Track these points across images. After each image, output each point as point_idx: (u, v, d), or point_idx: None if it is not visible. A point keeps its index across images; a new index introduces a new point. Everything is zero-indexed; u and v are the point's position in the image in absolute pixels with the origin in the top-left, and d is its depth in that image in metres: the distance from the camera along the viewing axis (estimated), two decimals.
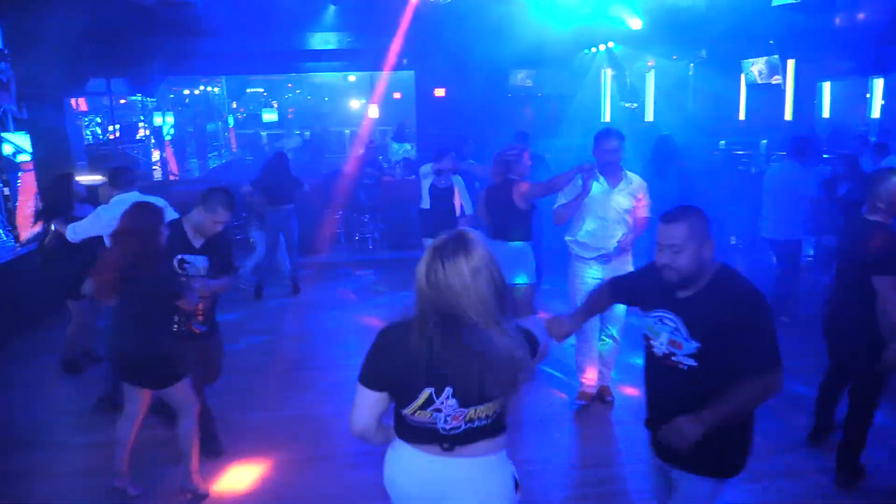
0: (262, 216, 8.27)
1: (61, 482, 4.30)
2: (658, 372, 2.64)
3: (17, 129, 8.56)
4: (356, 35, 10.57)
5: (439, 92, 11.69)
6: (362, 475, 4.21)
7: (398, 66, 11.22)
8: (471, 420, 2.10)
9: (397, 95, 19.17)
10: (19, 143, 8.56)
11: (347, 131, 18.94)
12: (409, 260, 9.36)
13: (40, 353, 6.47)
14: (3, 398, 5.66)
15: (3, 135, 8.51)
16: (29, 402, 5.56)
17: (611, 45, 12.04)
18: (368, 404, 2.17)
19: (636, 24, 10.45)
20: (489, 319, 2.00)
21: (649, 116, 13.26)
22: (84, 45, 9.20)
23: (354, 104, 21.82)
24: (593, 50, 12.45)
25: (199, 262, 4.07)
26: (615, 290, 2.99)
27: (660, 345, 2.59)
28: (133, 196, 5.00)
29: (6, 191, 8.55)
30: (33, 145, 8.66)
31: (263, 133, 19.60)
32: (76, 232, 5.05)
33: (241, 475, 4.30)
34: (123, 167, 5.75)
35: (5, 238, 8.21)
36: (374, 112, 15.62)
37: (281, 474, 4.32)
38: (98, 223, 4.93)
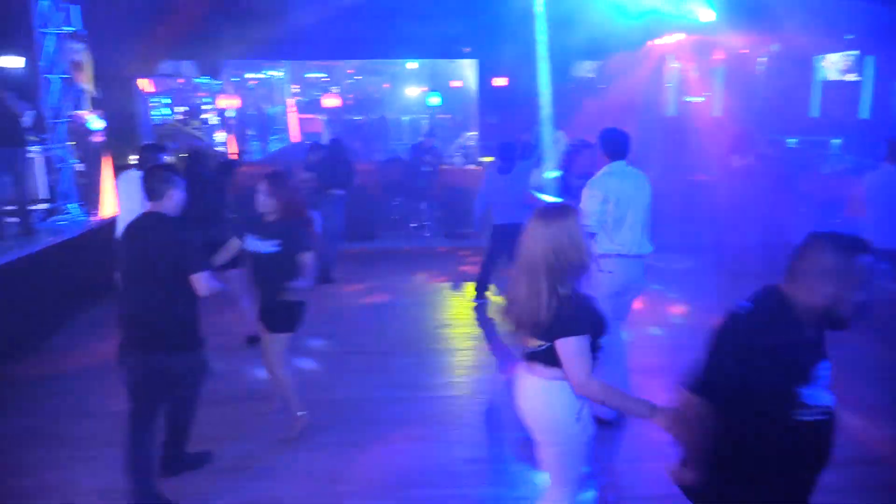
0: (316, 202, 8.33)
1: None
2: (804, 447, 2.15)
3: (92, 108, 8.85)
4: (419, 22, 10.56)
5: (500, 81, 11.60)
6: (409, 460, 4.25)
7: (460, 55, 11.18)
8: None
9: (457, 84, 19.14)
10: (93, 122, 8.85)
11: (406, 118, 18.96)
12: (464, 249, 9.45)
13: (105, 325, 6.69)
14: (74, 369, 5.90)
15: (79, 113, 8.82)
16: (95, 373, 5.77)
17: (679, 36, 11.74)
18: None
19: (708, 15, 10.16)
20: None
21: (716, 111, 12.90)
22: (155, 28, 9.44)
23: (413, 91, 21.84)
24: (660, 42, 12.16)
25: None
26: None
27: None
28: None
29: (79, 167, 8.87)
30: (106, 124, 8.94)
31: (322, 118, 19.79)
32: None
33: (297, 455, 4.39)
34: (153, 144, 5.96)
35: (76, 213, 8.52)
36: (434, 100, 15.60)
37: (333, 455, 4.38)
38: None
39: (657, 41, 12.13)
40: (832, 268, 2.03)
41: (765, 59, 12.26)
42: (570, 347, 2.49)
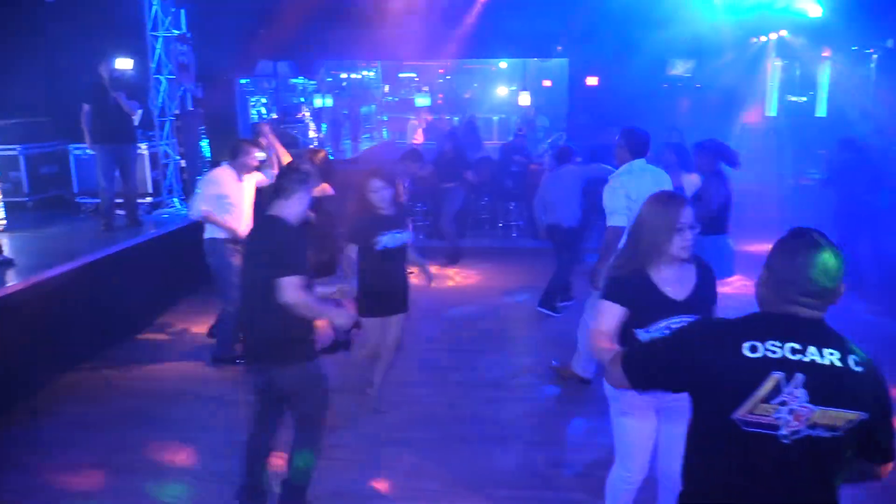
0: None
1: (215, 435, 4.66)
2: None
3: (195, 106, 9.27)
4: (511, 21, 10.51)
5: (592, 80, 11.40)
6: (493, 460, 4.23)
7: (552, 54, 11.06)
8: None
9: (547, 83, 18.96)
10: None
11: (496, 118, 18.96)
12: (549, 251, 9.26)
13: (203, 313, 6.99)
14: (172, 355, 6.21)
15: (176, 112, 9.24)
16: (192, 359, 6.04)
17: (783, 33, 11.22)
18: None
19: (815, 11, 9.66)
20: None
21: (820, 111, 12.26)
22: (255, 29, 9.78)
23: (502, 91, 21.80)
24: (762, 39, 11.65)
25: None
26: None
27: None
28: None
29: (183, 163, 9.31)
30: (206, 122, 9.35)
31: (412, 117, 20.04)
32: None
33: (382, 449, 4.46)
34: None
35: (179, 206, 8.95)
36: (525, 99, 15.50)
37: (418, 451, 4.42)
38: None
39: (760, 38, 11.64)
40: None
41: (876, 55, 11.55)
42: None
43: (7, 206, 7.61)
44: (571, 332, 5.53)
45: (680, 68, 11.77)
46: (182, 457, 4.39)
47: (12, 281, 5.49)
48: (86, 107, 7.30)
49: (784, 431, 1.82)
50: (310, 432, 3.60)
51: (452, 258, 8.95)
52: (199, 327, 6.70)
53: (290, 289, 3.19)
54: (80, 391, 5.38)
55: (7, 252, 6.03)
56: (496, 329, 6.81)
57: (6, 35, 8.57)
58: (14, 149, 8.56)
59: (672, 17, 9.50)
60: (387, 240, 4.45)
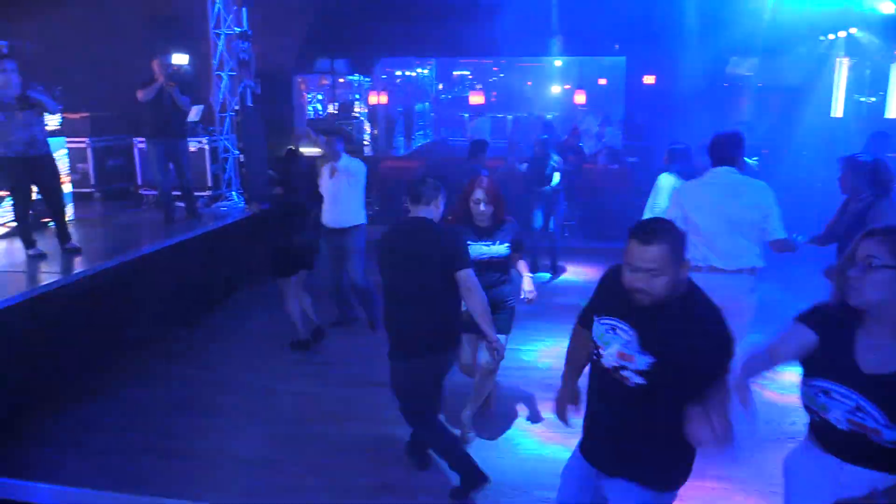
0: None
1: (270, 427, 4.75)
2: (602, 385, 2.42)
3: (254, 103, 9.46)
4: (568, 19, 10.43)
5: (649, 79, 11.24)
6: (540, 462, 4.21)
7: (610, 52, 10.93)
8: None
9: (603, 81, 18.73)
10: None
11: (549, 116, 18.83)
12: (604, 251, 9.20)
13: (257, 303, 7.14)
14: (225, 345, 6.37)
15: (235, 108, 9.45)
16: (243, 350, 6.18)
17: (852, 31, 10.82)
18: (791, 337, 2.21)
19: (888, 7, 9.30)
20: None
21: (891, 112, 11.78)
22: (314, 27, 9.94)
23: (556, 89, 21.62)
24: (830, 37, 11.26)
25: None
26: (584, 322, 2.58)
27: (609, 356, 2.34)
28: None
29: (241, 158, 9.52)
30: (265, 119, 9.54)
31: (466, 115, 20.06)
32: None
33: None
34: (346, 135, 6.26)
35: (237, 200, 9.16)
36: (580, 98, 15.36)
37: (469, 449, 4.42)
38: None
39: (828, 36, 11.25)
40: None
41: None
42: None
43: (75, 197, 7.91)
44: None
45: (741, 67, 11.48)
46: (231, 445, 4.49)
47: (79, 268, 5.72)
48: (140, 97, 7.49)
49: None
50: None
51: (557, 268, 8.73)
52: (251, 321, 6.85)
53: (470, 277, 3.55)
54: (138, 375, 5.56)
55: (75, 240, 6.28)
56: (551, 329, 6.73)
57: (76, 33, 8.91)
58: (83, 142, 8.91)
59: (734, 14, 9.29)
60: (472, 250, 4.25)
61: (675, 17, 9.62)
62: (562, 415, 2.71)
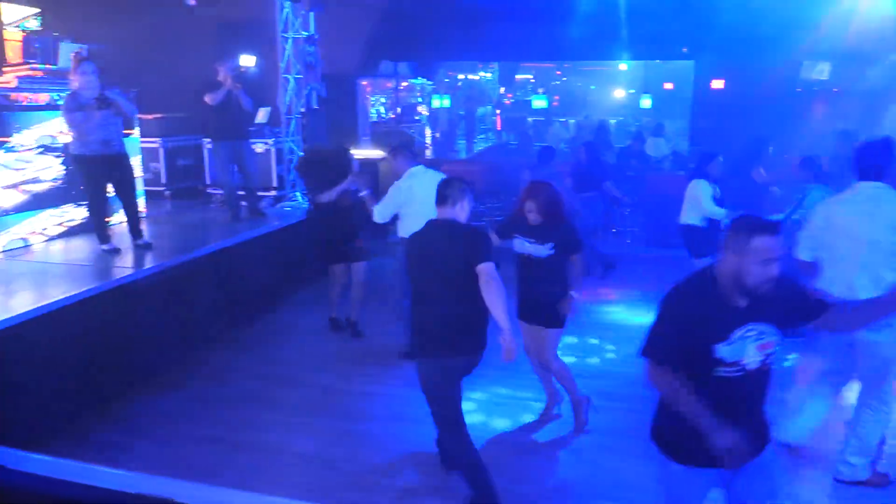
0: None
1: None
2: (729, 390, 2.46)
3: (319, 105, 9.63)
4: (635, 22, 10.27)
5: (717, 83, 10.95)
6: (594, 469, 4.15)
7: (678, 55, 10.71)
8: None
9: (669, 86, 18.39)
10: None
11: (613, 121, 18.61)
12: (666, 258, 9.01)
13: (318, 303, 7.25)
14: (290, 340, 6.50)
15: (301, 110, 9.63)
16: (306, 347, 6.30)
17: None
18: None
19: None
20: None
21: None
22: (379, 31, 10.05)
23: (619, 93, 21.33)
24: None
25: None
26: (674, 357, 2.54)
27: (752, 360, 2.42)
28: (420, 169, 5.52)
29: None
30: (328, 121, 9.70)
31: (530, 119, 19.97)
32: (382, 214, 5.50)
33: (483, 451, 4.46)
34: (408, 139, 6.30)
35: (300, 200, 9.34)
36: (646, 102, 15.11)
37: (520, 454, 4.40)
38: (399, 197, 5.43)
39: None
40: (733, 245, 2.38)
41: None
42: None
43: (147, 195, 8.20)
44: None
45: (815, 71, 11.08)
46: (293, 440, 4.58)
47: (150, 263, 5.92)
48: (209, 100, 7.70)
49: None
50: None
51: (607, 268, 8.48)
52: (312, 318, 6.96)
53: (489, 271, 3.51)
54: (205, 369, 5.73)
55: (147, 237, 6.51)
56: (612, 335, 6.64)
57: (152, 37, 9.25)
58: (155, 142, 9.23)
59: (808, 18, 8.97)
60: (517, 243, 4.54)
61: (746, 20, 9.35)
62: (736, 452, 2.40)
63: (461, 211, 3.73)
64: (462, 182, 3.83)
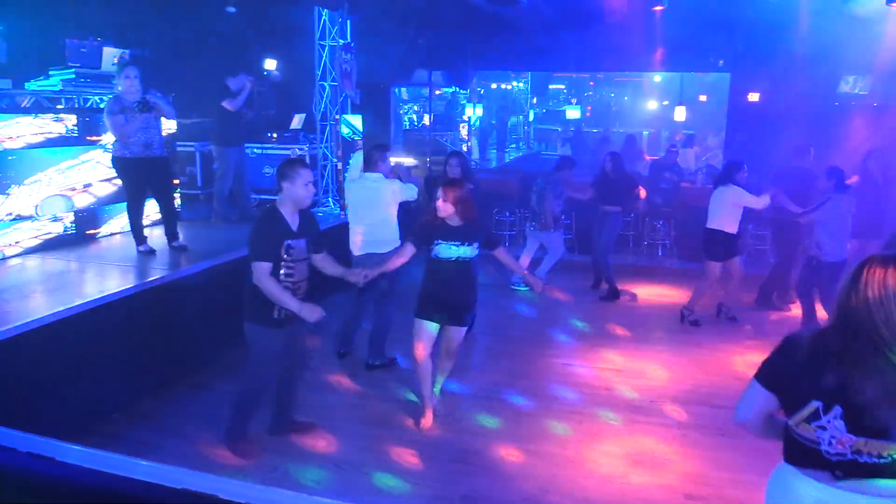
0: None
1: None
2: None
3: (354, 112, 9.74)
4: (670, 34, 10.20)
5: (753, 96, 10.82)
6: (626, 486, 4.11)
7: (713, 68, 10.62)
8: (858, 452, 1.94)
9: (703, 98, 18.25)
10: (354, 125, 9.73)
11: (646, 132, 18.48)
12: (696, 269, 8.94)
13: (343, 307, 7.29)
14: (318, 345, 6.52)
15: (343, 117, 9.75)
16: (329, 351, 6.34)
17: None
18: (755, 399, 2.20)
19: None
20: None
21: None
22: (414, 39, 10.13)
23: (652, 105, 21.18)
24: None
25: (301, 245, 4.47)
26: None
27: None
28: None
29: (339, 165, 9.80)
30: (364, 127, 9.79)
31: (560, 129, 19.91)
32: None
33: (511, 457, 4.47)
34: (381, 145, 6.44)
35: (332, 206, 9.43)
36: (680, 114, 14.97)
37: (548, 463, 4.39)
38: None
39: None
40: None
41: None
42: None
43: (183, 198, 8.34)
44: None
45: (853, 85, 10.89)
46: (323, 444, 4.61)
47: (185, 265, 6.02)
48: (230, 107, 7.82)
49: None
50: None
51: (611, 295, 8.19)
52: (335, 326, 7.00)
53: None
54: (237, 370, 5.78)
55: (182, 239, 6.62)
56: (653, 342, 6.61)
57: (190, 41, 9.42)
58: (192, 146, 9.39)
59: (847, 31, 8.84)
60: (442, 249, 4.53)
61: (783, 33, 9.25)
62: None
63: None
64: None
